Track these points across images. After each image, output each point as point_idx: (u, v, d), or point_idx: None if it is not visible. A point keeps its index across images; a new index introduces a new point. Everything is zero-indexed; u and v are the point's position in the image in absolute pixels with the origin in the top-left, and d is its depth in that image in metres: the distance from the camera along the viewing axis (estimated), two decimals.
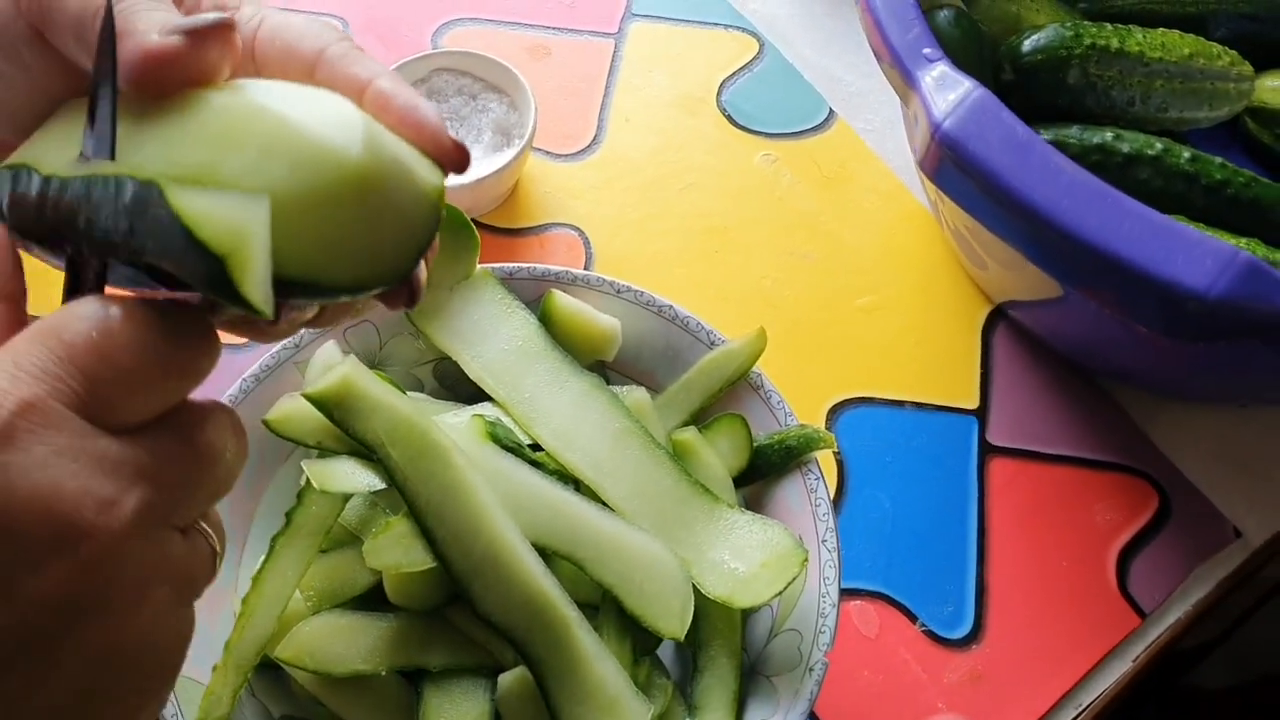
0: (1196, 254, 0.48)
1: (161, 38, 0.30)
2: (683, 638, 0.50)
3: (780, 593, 0.49)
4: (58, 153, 0.33)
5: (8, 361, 0.28)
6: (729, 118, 0.80)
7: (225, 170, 0.29)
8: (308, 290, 0.30)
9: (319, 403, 0.48)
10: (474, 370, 0.56)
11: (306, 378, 0.57)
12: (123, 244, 0.29)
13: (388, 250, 0.31)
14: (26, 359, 0.28)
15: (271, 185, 0.29)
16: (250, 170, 0.29)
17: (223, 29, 0.31)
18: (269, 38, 0.33)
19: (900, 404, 0.68)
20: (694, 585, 0.51)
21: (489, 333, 0.58)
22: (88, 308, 0.29)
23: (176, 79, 0.31)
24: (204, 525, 0.32)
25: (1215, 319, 0.49)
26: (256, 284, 0.28)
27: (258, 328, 0.36)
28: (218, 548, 0.33)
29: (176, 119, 0.31)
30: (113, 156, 0.31)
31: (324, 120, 0.30)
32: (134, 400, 0.29)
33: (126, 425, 0.29)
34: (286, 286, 0.29)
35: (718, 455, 0.56)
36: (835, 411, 0.68)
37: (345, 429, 0.48)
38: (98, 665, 0.28)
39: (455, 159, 0.33)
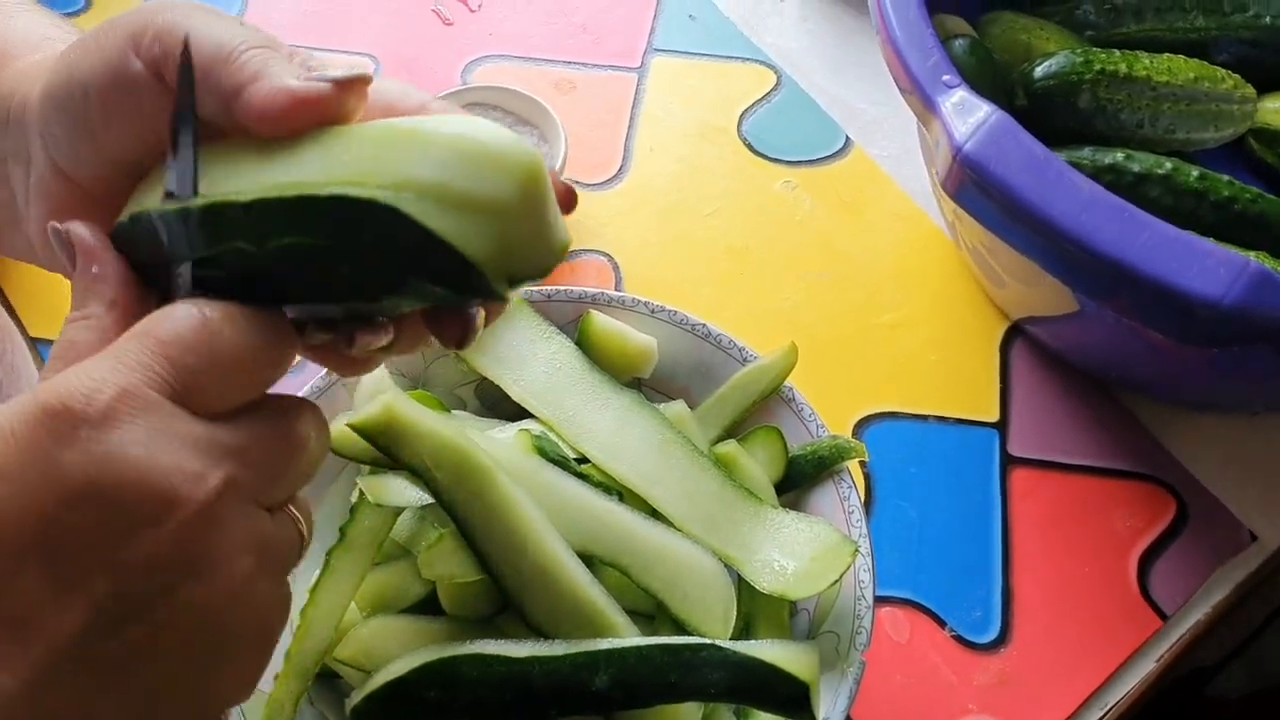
0: (1210, 264, 0.51)
1: (303, 83, 0.33)
2: (727, 638, 0.52)
3: (836, 581, 0.51)
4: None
5: (110, 356, 0.31)
6: (749, 146, 0.82)
7: (405, 174, 0.31)
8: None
9: (364, 431, 0.50)
10: (516, 392, 0.58)
11: (355, 399, 0.59)
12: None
13: (542, 246, 0.33)
14: (125, 353, 0.31)
15: (468, 188, 0.31)
16: (435, 171, 0.31)
17: (361, 82, 0.34)
18: (371, 99, 0.36)
19: (924, 418, 0.70)
20: (747, 583, 0.53)
21: (529, 356, 0.60)
22: (179, 309, 0.32)
23: (315, 119, 0.33)
24: (292, 510, 0.35)
25: (1228, 326, 0.51)
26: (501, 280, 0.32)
27: (342, 357, 0.39)
28: (305, 531, 0.36)
29: (312, 148, 0.33)
30: (195, 192, 0.34)
31: (483, 131, 0.32)
32: (222, 389, 0.32)
33: (216, 412, 0.32)
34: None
35: (757, 465, 0.58)
36: (861, 426, 0.70)
37: (390, 455, 0.50)
38: (197, 629, 0.31)
39: (568, 200, 0.36)
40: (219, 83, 0.34)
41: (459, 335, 0.38)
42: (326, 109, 0.33)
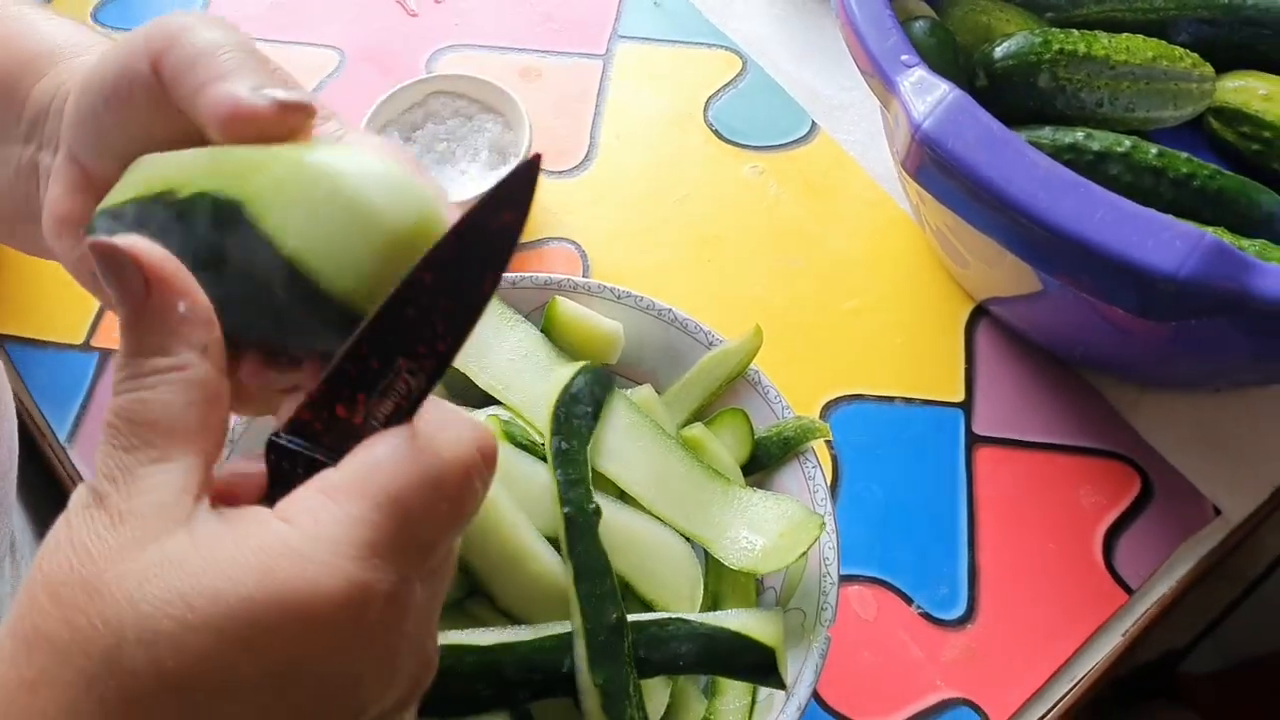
0: (1166, 237, 0.51)
1: (249, 93, 0.33)
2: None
3: (803, 555, 0.52)
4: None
5: (366, 546, 0.27)
6: (716, 132, 0.83)
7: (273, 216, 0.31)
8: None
9: None
10: (483, 380, 0.58)
11: None
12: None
13: None
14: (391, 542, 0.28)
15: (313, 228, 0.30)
16: (297, 215, 0.30)
17: (301, 109, 0.33)
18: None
19: (889, 399, 0.71)
20: (715, 563, 0.53)
21: (494, 344, 0.60)
22: (404, 450, 0.29)
23: (254, 132, 0.33)
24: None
25: (1186, 298, 0.52)
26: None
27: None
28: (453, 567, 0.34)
29: (232, 160, 0.33)
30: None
31: (371, 178, 0.31)
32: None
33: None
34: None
35: (724, 447, 0.58)
36: (828, 408, 0.70)
37: None
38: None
39: None
40: (193, 79, 0.34)
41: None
42: (265, 124, 0.33)
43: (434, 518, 0.28)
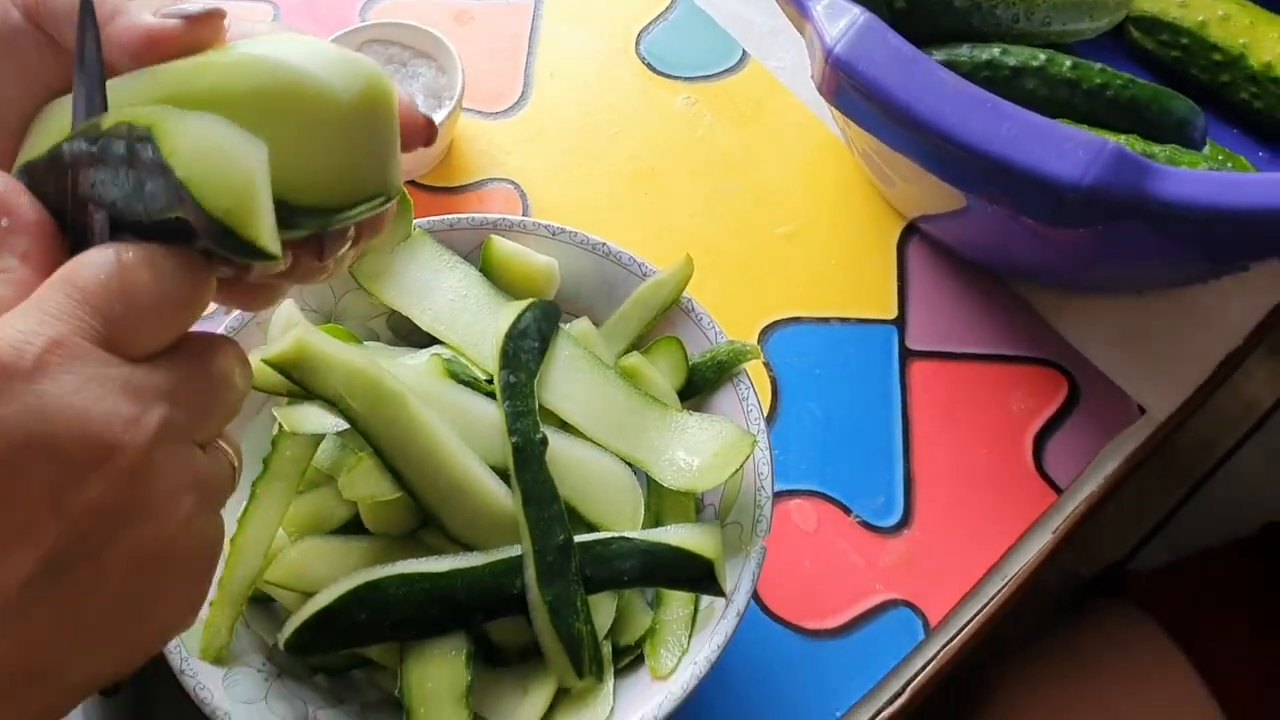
0: (1069, 148, 0.53)
1: (158, 19, 0.34)
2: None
3: (737, 471, 0.54)
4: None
5: (34, 307, 0.32)
6: (648, 65, 0.84)
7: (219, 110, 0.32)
8: (309, 215, 0.34)
9: (277, 365, 0.52)
10: (425, 321, 0.60)
11: (269, 335, 0.61)
12: (126, 199, 0.33)
13: (373, 167, 0.35)
14: (49, 303, 0.32)
15: (267, 123, 0.32)
16: (247, 110, 0.32)
17: (213, 17, 0.35)
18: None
19: (825, 320, 0.73)
20: (656, 485, 0.56)
21: (434, 286, 0.61)
22: (96, 254, 0.33)
23: (173, 52, 0.35)
24: (223, 443, 0.37)
25: (1091, 205, 0.54)
26: (264, 231, 0.31)
27: (246, 291, 0.40)
28: (236, 463, 0.37)
29: (169, 76, 0.34)
30: (105, 108, 0.34)
31: (310, 57, 0.33)
32: (146, 331, 0.33)
33: (142, 354, 0.33)
34: (290, 216, 0.33)
35: (660, 374, 0.60)
36: (766, 332, 0.72)
37: (304, 387, 0.52)
38: (142, 567, 0.33)
39: (426, 136, 0.38)
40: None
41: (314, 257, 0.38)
42: (180, 43, 0.34)
43: (104, 284, 0.32)
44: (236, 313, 0.61)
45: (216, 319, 0.65)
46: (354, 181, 0.35)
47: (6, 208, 0.34)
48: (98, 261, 0.33)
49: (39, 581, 0.31)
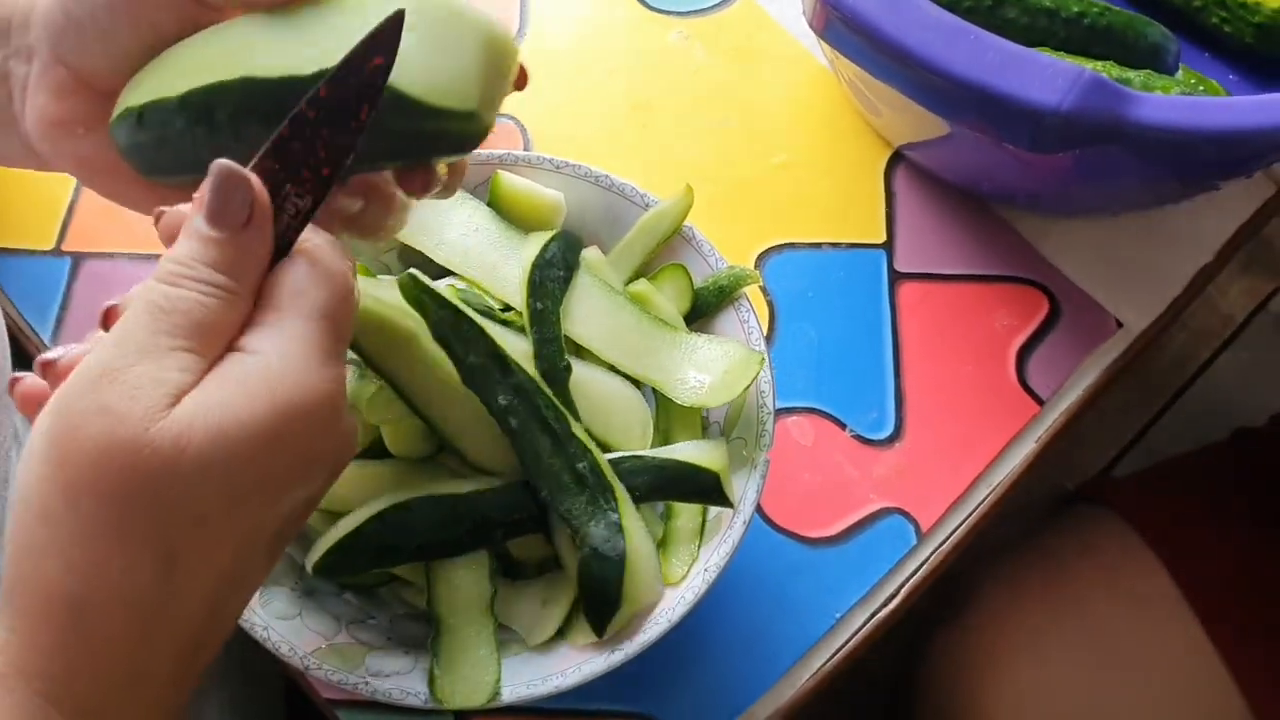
0: (1048, 75, 0.56)
1: None
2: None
3: (748, 387, 0.58)
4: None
5: (315, 349, 0.36)
6: (641, 1, 0.86)
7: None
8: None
9: None
10: (440, 255, 0.63)
11: None
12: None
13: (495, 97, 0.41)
14: (322, 341, 0.36)
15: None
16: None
17: None
18: None
19: (818, 245, 0.76)
20: (664, 403, 0.60)
21: (445, 222, 0.64)
22: (319, 272, 0.37)
23: None
24: None
25: (1069, 130, 0.57)
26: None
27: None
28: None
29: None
30: None
31: None
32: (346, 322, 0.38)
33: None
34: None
35: (667, 299, 0.64)
36: (762, 258, 0.76)
37: None
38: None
39: (523, 81, 0.45)
40: None
41: (423, 186, 0.45)
42: None
43: (348, 317, 0.37)
44: None
45: None
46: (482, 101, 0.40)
47: (269, 236, 0.36)
48: (332, 286, 0.37)
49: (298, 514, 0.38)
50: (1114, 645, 0.79)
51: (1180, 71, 0.73)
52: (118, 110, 0.41)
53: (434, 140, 0.40)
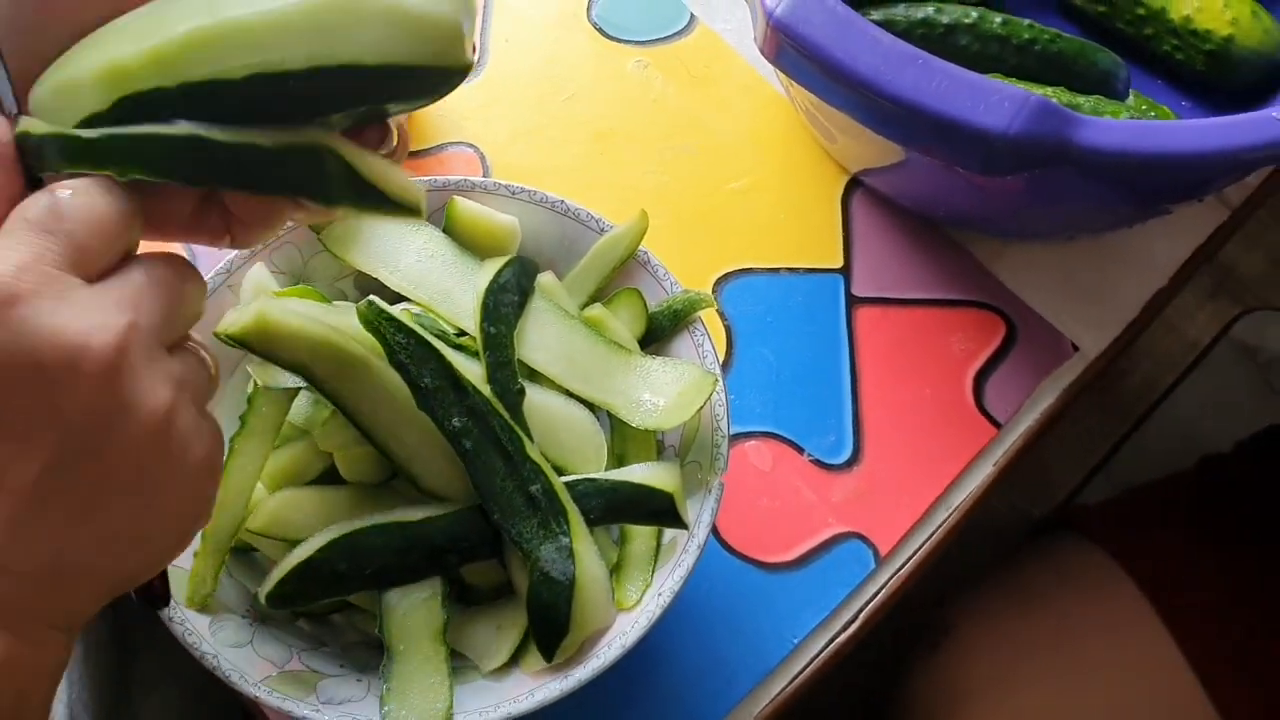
0: (995, 100, 0.57)
1: None
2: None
3: (701, 408, 0.57)
4: None
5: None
6: (600, 30, 0.86)
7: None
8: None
9: (239, 340, 0.54)
10: (394, 282, 0.62)
11: (240, 298, 0.63)
12: None
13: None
14: (10, 236, 0.36)
15: None
16: None
17: None
18: None
19: (775, 270, 0.76)
20: (619, 427, 0.59)
21: (401, 248, 0.64)
22: (39, 194, 0.37)
23: None
24: (192, 345, 0.41)
25: (1019, 153, 0.57)
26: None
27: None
28: (210, 363, 0.41)
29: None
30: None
31: None
32: (98, 251, 0.37)
33: (99, 274, 0.37)
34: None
35: (622, 324, 0.63)
36: (720, 283, 0.76)
37: (269, 358, 0.55)
38: (144, 460, 0.37)
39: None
40: None
41: (379, 140, 0.44)
42: None
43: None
44: (207, 275, 0.63)
45: None
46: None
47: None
48: (42, 198, 0.37)
49: (49, 484, 0.35)
50: (1094, 674, 0.79)
51: (1131, 97, 0.74)
52: None
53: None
